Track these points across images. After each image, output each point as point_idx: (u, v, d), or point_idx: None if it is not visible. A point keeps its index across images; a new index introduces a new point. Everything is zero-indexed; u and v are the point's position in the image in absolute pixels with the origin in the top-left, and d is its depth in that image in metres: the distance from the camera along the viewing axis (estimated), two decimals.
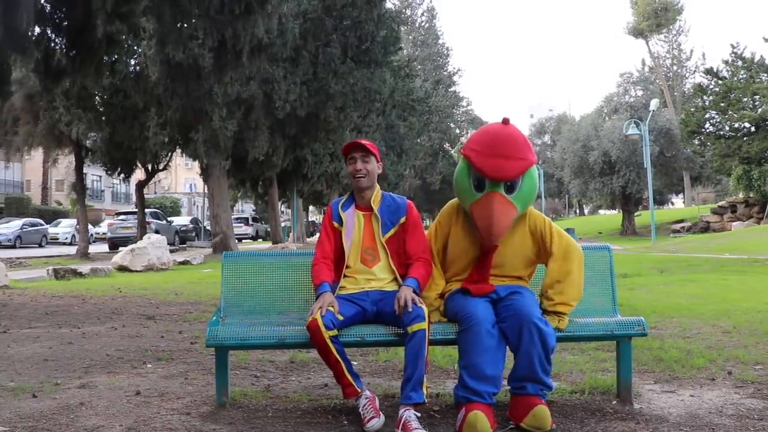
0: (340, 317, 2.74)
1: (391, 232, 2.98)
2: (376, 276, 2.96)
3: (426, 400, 2.69)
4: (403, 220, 3.00)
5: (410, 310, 2.68)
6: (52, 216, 36.74)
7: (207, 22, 8.32)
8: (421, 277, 2.88)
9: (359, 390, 2.75)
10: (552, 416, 2.77)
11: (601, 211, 65.75)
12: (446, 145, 48.92)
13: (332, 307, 2.75)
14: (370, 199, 3.01)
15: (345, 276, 2.98)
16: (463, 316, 2.74)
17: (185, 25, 9.10)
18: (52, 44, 8.31)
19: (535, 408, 2.58)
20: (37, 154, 29.94)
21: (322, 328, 2.67)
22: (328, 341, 2.68)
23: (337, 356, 2.71)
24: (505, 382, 2.83)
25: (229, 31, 8.20)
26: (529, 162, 2.74)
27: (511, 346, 2.70)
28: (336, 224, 3.03)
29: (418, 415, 2.63)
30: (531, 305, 2.71)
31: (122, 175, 21.40)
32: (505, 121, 2.83)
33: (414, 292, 2.79)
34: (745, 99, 27.75)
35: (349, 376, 2.74)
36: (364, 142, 3.01)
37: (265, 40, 9.30)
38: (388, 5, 20.83)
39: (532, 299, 2.79)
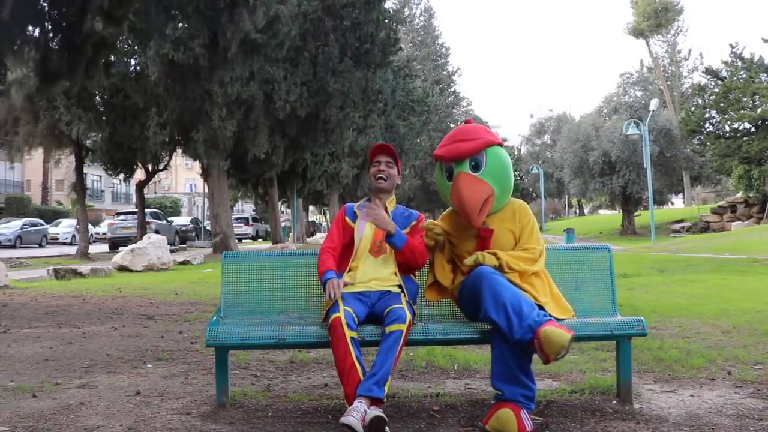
0: (356, 318, 2.73)
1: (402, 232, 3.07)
2: (381, 265, 3.00)
3: (385, 400, 2.59)
4: (414, 222, 3.14)
5: (372, 214, 2.84)
6: (52, 216, 36.74)
7: (198, 18, 8.29)
8: (412, 243, 2.98)
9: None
10: (551, 416, 2.78)
11: (601, 211, 65.72)
12: None
13: (342, 285, 2.82)
14: (386, 203, 3.13)
15: (349, 269, 3.01)
16: (472, 277, 2.78)
17: (179, 24, 9.10)
18: (48, 45, 8.29)
19: (499, 411, 2.54)
20: (38, 154, 29.94)
21: (345, 327, 2.63)
22: (349, 342, 2.63)
23: (355, 361, 2.60)
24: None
25: (220, 28, 8.16)
26: (485, 140, 2.92)
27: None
28: (349, 220, 3.13)
29: (378, 409, 2.52)
30: None
31: (122, 175, 21.39)
32: (467, 122, 3.11)
33: (391, 234, 2.91)
34: (745, 99, 27.72)
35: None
36: (392, 148, 3.21)
37: (253, 36, 9.26)
38: (387, 5, 20.82)
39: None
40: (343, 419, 2.45)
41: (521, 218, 2.95)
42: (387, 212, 3.11)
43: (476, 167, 2.89)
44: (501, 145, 3.00)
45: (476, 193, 2.84)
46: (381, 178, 3.11)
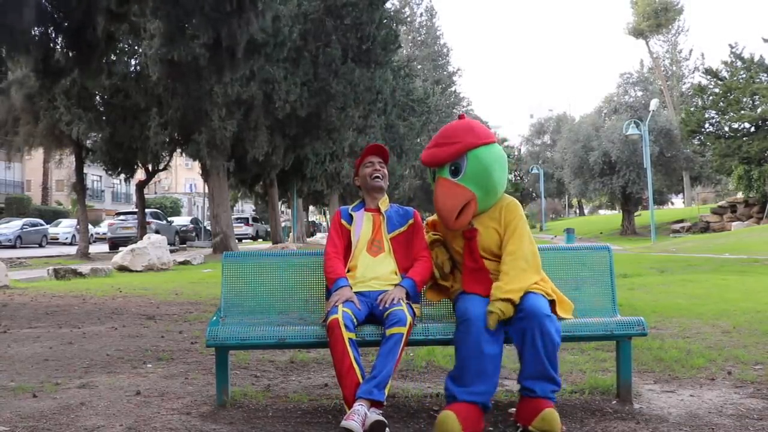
0: (355, 320, 2.73)
1: (398, 231, 3.09)
2: (380, 264, 3.01)
3: (385, 402, 2.59)
4: (411, 221, 3.13)
5: (387, 305, 2.78)
6: (52, 216, 36.73)
7: (202, 19, 8.31)
8: (420, 276, 2.97)
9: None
10: None
11: (601, 211, 65.72)
12: None
13: (353, 300, 2.80)
14: (379, 202, 3.15)
15: (348, 270, 3.02)
16: (459, 311, 2.75)
17: (186, 25, 9.11)
18: (52, 44, 8.31)
19: (544, 411, 2.54)
20: (38, 154, 29.94)
21: (343, 328, 2.63)
22: (347, 343, 2.63)
23: (353, 362, 2.61)
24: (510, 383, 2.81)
25: (224, 30, 8.19)
26: (464, 144, 2.84)
27: (518, 343, 2.66)
28: (345, 222, 3.14)
29: (378, 411, 2.54)
30: (540, 303, 2.68)
31: (123, 176, 21.39)
32: (460, 117, 3.04)
33: (408, 294, 2.88)
34: (745, 99, 27.74)
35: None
36: (385, 149, 3.26)
37: (258, 39, 9.30)
38: (388, 5, 20.81)
39: (541, 299, 2.74)
40: (344, 423, 2.45)
41: (506, 216, 2.89)
42: (381, 213, 3.12)
43: (456, 172, 2.86)
44: (489, 143, 2.89)
45: (451, 199, 2.84)
46: (377, 177, 3.13)
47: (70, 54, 8.24)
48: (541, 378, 2.61)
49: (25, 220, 29.92)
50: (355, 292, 2.90)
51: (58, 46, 8.38)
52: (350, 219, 3.13)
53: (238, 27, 8.22)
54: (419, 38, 54.14)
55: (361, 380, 2.60)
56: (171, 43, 8.62)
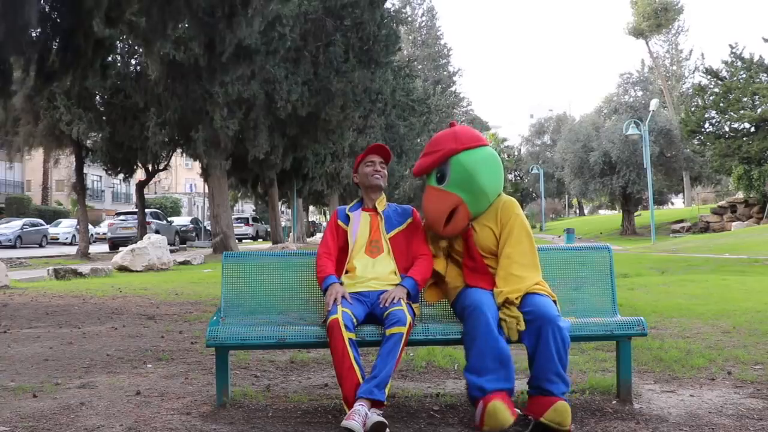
0: (355, 320, 2.73)
1: (396, 230, 3.09)
2: (379, 264, 3.00)
3: (386, 403, 2.59)
4: (410, 220, 3.13)
5: (388, 304, 2.77)
6: (52, 216, 36.75)
7: (195, 23, 8.33)
8: (420, 275, 2.96)
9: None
10: None
11: (601, 211, 65.72)
12: None
13: (345, 296, 2.82)
14: (377, 202, 3.15)
15: (347, 271, 3.02)
16: (469, 302, 2.75)
17: (179, 25, 9.12)
18: (47, 45, 8.30)
19: (557, 403, 2.53)
20: (38, 155, 29.93)
21: (343, 329, 2.63)
22: (347, 344, 2.63)
23: (353, 363, 2.61)
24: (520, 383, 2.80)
25: (217, 34, 8.21)
26: (445, 151, 2.89)
27: (530, 344, 2.65)
28: (342, 223, 3.14)
29: (378, 411, 2.54)
30: (549, 303, 2.69)
31: (122, 175, 21.39)
32: (451, 124, 3.05)
33: (409, 294, 2.88)
34: (745, 99, 27.73)
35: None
36: (388, 150, 3.26)
37: (248, 43, 9.31)
38: (388, 4, 20.83)
39: (548, 299, 2.74)
40: (345, 423, 2.45)
41: (502, 216, 2.90)
42: (379, 213, 3.12)
43: (441, 179, 2.91)
44: (473, 147, 2.88)
45: (437, 205, 2.90)
46: (377, 175, 3.14)
47: (64, 56, 8.22)
48: (555, 378, 2.60)
49: (25, 220, 29.91)
50: (354, 293, 2.91)
51: (52, 48, 8.36)
52: (347, 219, 3.13)
53: (228, 31, 8.22)
54: (420, 38, 54.19)
55: (361, 380, 2.60)
56: (149, 45, 8.62)
